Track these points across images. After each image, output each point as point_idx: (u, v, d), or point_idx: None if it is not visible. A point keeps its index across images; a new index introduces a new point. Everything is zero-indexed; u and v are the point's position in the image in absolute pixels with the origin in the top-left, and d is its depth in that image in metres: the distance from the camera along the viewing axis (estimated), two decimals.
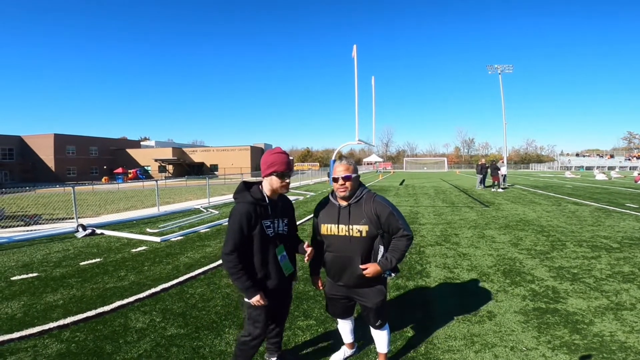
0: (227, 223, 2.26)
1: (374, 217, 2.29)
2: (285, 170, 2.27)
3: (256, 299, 2.18)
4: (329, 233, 2.41)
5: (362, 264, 2.32)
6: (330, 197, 2.51)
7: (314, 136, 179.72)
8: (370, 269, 2.28)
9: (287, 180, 2.32)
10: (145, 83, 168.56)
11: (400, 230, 2.30)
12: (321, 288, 2.67)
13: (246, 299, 2.27)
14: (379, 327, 2.54)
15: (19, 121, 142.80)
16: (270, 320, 2.47)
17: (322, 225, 2.45)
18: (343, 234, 2.35)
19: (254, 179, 2.41)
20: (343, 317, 2.69)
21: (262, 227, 2.24)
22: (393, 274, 2.44)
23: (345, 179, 2.32)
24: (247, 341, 2.32)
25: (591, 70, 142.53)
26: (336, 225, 2.38)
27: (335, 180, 2.35)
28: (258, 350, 2.41)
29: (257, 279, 2.25)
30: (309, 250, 2.37)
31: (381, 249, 2.35)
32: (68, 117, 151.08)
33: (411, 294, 4.12)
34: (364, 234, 2.30)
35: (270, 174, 2.25)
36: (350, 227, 2.33)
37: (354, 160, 2.53)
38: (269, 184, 2.29)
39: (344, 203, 2.39)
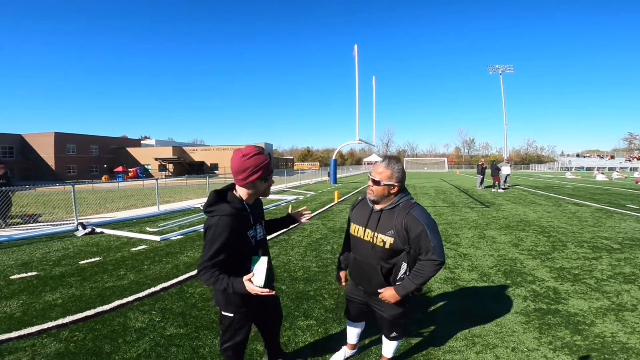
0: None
1: (403, 232, 2.05)
2: (271, 171, 2.08)
3: (250, 287, 1.88)
4: (356, 234, 2.30)
5: (382, 274, 2.16)
6: (367, 196, 2.33)
7: (314, 135, 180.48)
8: (386, 293, 2.13)
9: (272, 180, 2.15)
10: (146, 82, 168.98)
11: (429, 253, 2.01)
12: (343, 284, 2.59)
13: (228, 313, 2.12)
14: (393, 339, 2.45)
15: (19, 120, 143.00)
16: (261, 330, 2.42)
17: (352, 223, 2.35)
18: (368, 239, 2.20)
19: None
20: (358, 321, 2.63)
21: (247, 239, 2.04)
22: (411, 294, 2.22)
23: (374, 182, 2.12)
24: (228, 347, 2.19)
25: (592, 70, 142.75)
26: (363, 229, 2.23)
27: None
28: (245, 354, 2.34)
29: (240, 295, 1.98)
30: (305, 214, 2.33)
31: (404, 266, 2.14)
32: (69, 115, 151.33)
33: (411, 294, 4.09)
34: (387, 246, 2.11)
35: (255, 181, 2.00)
36: (376, 234, 2.15)
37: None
38: (252, 190, 2.05)
39: (377, 207, 2.19)
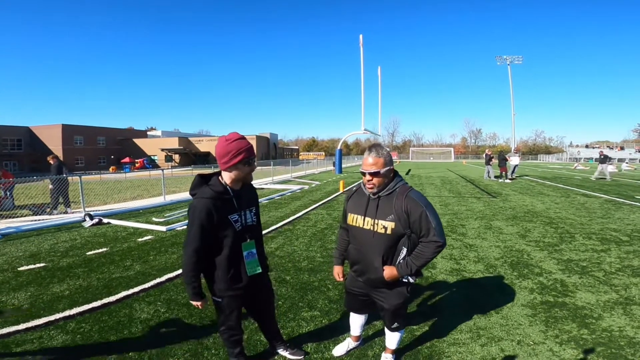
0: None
1: (403, 215, 2.06)
2: (253, 155, 2.11)
3: (196, 304, 2.13)
4: (354, 224, 2.27)
5: (382, 263, 2.15)
6: (362, 184, 2.29)
7: (319, 126, 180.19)
8: (386, 272, 2.13)
9: (255, 165, 2.19)
10: (152, 73, 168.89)
11: (430, 234, 2.02)
12: (340, 279, 2.54)
13: (216, 298, 2.22)
14: (395, 330, 2.42)
15: (27, 112, 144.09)
16: (253, 317, 2.48)
17: (349, 214, 2.32)
18: (368, 227, 2.17)
19: (210, 171, 2.20)
20: (359, 313, 2.61)
21: (229, 223, 2.06)
22: (413, 279, 2.22)
23: (373, 175, 2.09)
24: (224, 330, 2.33)
25: (602, 60, 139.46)
26: (362, 217, 2.20)
27: (363, 173, 2.14)
28: (242, 339, 2.44)
29: (225, 279, 2.12)
30: None
31: (404, 250, 2.14)
32: (76, 107, 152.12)
33: (416, 285, 4.08)
34: (388, 232, 2.10)
35: (237, 164, 2.05)
36: (376, 221, 2.13)
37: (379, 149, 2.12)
38: (234, 175, 2.08)
39: (374, 194, 2.19)
